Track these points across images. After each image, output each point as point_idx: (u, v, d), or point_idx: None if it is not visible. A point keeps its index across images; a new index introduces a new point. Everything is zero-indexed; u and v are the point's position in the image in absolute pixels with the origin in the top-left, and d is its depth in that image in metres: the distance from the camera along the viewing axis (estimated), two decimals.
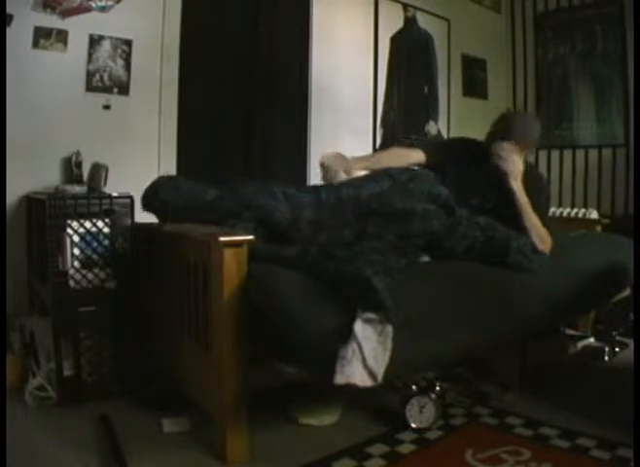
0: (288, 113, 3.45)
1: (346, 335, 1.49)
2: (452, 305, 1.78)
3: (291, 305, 1.54)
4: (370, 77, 3.93)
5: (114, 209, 2.17)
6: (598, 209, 3.91)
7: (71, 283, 2.08)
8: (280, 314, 1.54)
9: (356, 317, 1.51)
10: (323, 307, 1.55)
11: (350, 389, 1.47)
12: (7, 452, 1.33)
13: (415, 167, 2.43)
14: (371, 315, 1.51)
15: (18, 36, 2.44)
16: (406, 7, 4.10)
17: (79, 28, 2.61)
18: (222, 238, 1.64)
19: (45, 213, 2.06)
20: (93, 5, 2.64)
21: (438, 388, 1.96)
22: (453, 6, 4.41)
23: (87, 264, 2.11)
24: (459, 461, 1.67)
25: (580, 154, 4.50)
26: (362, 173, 2.27)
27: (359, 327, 1.49)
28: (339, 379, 1.45)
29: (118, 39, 2.73)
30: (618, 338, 2.82)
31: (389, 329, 1.52)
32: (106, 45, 2.71)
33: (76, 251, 2.09)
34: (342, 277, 1.58)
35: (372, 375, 1.48)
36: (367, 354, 1.47)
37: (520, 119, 2.44)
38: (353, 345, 1.47)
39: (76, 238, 2.09)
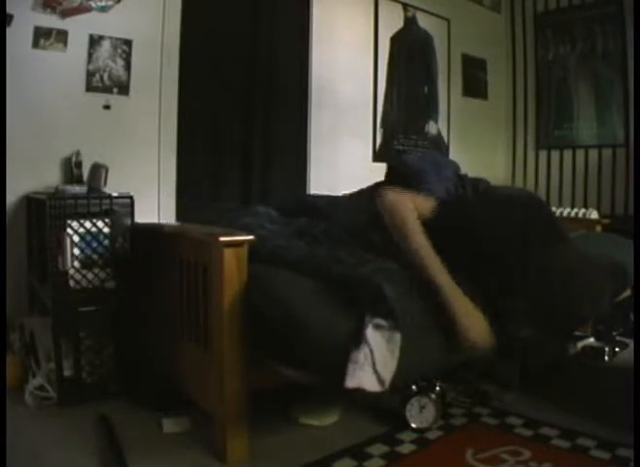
0: (288, 113, 3.46)
1: (353, 339, 1.48)
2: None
3: (294, 309, 1.54)
4: (370, 77, 3.93)
5: (114, 209, 2.17)
6: (598, 209, 3.92)
7: (71, 283, 2.08)
8: (282, 318, 1.54)
9: (366, 323, 1.50)
10: (327, 311, 1.55)
11: (357, 394, 1.47)
12: (7, 452, 1.33)
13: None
14: (380, 321, 1.50)
15: (18, 36, 2.44)
16: (406, 7, 4.10)
17: (79, 28, 2.61)
18: (222, 238, 1.64)
19: (45, 213, 2.06)
20: (93, 5, 2.64)
21: (438, 388, 1.96)
22: (453, 6, 4.41)
23: (87, 264, 2.11)
24: (459, 461, 1.67)
25: (580, 154, 4.50)
26: None
27: (370, 332, 1.49)
28: (350, 383, 1.44)
29: (118, 39, 2.73)
30: (618, 338, 2.82)
31: (398, 337, 1.51)
32: (106, 45, 2.71)
33: (76, 251, 2.09)
34: (352, 282, 1.56)
35: (380, 381, 1.48)
36: (377, 360, 1.46)
37: None
38: (365, 350, 1.46)
39: (76, 238, 2.09)
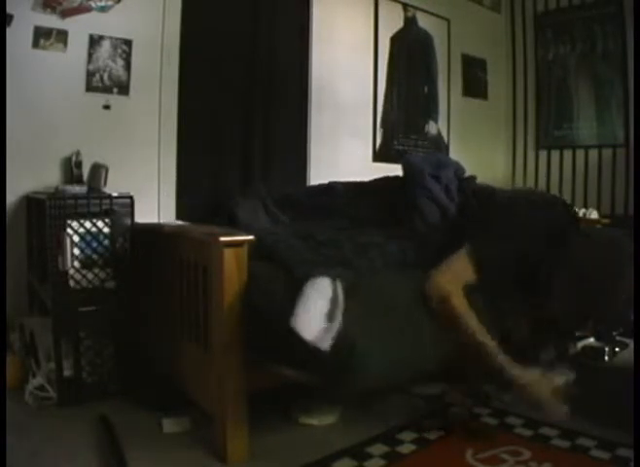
0: (288, 113, 3.45)
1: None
2: None
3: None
4: (370, 77, 3.93)
5: (114, 209, 2.17)
6: (598, 209, 3.92)
7: (71, 283, 2.08)
8: (282, 318, 1.54)
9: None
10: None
11: (354, 393, 1.48)
12: (7, 452, 1.33)
13: None
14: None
15: (18, 36, 2.44)
16: (406, 7, 4.10)
17: (79, 28, 2.61)
18: (222, 238, 1.64)
19: (45, 213, 2.06)
20: (93, 5, 2.64)
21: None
22: (453, 6, 4.41)
23: (87, 264, 2.11)
24: (459, 461, 1.67)
25: (580, 154, 4.50)
26: None
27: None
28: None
29: (118, 39, 2.73)
30: (618, 338, 2.82)
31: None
32: (106, 45, 2.70)
33: (76, 251, 2.09)
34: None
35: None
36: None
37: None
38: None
39: (76, 238, 2.09)
